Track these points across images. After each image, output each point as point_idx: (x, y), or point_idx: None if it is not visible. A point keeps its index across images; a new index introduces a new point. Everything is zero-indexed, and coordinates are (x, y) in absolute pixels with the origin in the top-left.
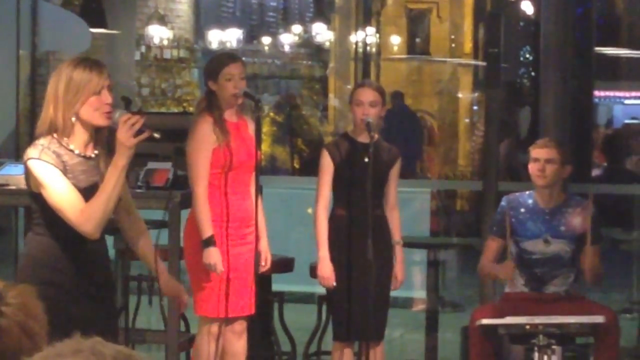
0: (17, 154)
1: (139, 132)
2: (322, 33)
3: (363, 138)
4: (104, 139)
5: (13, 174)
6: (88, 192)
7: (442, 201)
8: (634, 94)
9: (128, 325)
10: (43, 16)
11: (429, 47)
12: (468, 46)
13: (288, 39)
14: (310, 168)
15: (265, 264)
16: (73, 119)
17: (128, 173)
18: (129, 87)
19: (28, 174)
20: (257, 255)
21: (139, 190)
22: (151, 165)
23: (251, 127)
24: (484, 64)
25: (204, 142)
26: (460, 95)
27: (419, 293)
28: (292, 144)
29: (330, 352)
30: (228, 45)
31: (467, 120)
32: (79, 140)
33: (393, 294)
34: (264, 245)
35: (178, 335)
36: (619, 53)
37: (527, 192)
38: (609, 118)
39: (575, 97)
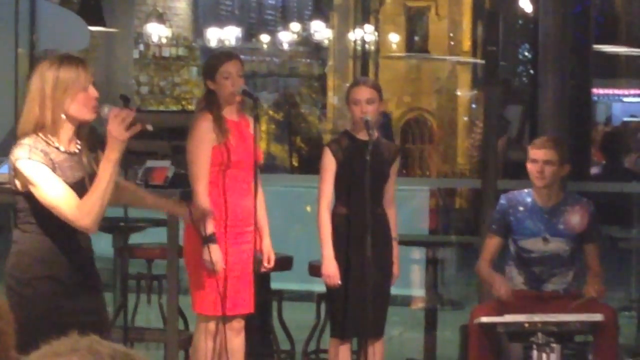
0: None
1: (131, 126)
2: (321, 31)
3: (363, 135)
4: (85, 134)
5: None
6: (76, 187)
7: (441, 199)
8: (632, 91)
9: (127, 323)
10: (41, 14)
11: (428, 45)
12: (466, 44)
13: (287, 37)
14: (308, 166)
15: (269, 263)
16: (63, 116)
17: (127, 171)
18: (127, 85)
19: (16, 174)
20: (257, 254)
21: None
22: (150, 163)
23: (252, 126)
24: (483, 61)
25: (204, 140)
26: (458, 93)
27: (418, 291)
28: (291, 142)
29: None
30: (226, 43)
31: (465, 118)
32: (64, 137)
33: (392, 291)
34: (266, 244)
35: (177, 333)
36: (617, 51)
37: (526, 191)
38: (607, 116)
39: (574, 95)
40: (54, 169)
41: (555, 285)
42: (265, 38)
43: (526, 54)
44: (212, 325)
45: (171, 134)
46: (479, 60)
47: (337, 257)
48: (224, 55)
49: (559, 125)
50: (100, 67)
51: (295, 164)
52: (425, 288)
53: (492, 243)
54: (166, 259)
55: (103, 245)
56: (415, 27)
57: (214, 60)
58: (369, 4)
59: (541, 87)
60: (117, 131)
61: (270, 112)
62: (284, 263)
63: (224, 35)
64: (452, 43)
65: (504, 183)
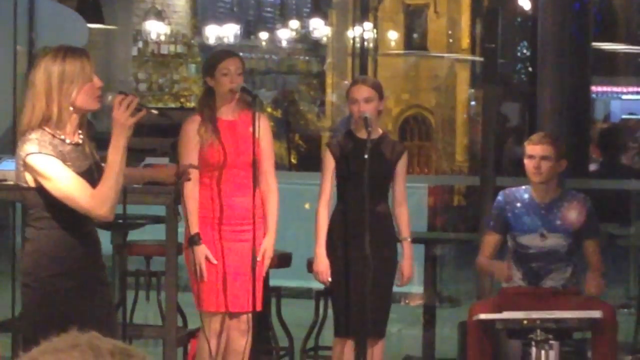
0: (14, 150)
1: (135, 112)
2: (320, 28)
3: (363, 134)
4: (85, 124)
5: (11, 169)
6: (85, 177)
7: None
8: (631, 89)
9: (126, 320)
10: (40, 12)
11: (427, 42)
12: (465, 42)
13: (285, 34)
14: (307, 163)
15: (262, 259)
16: (71, 108)
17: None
18: (126, 83)
19: (27, 169)
20: (254, 251)
21: (136, 186)
22: (149, 160)
23: (256, 123)
24: (481, 59)
25: (188, 142)
26: (457, 90)
27: (417, 288)
28: (289, 140)
29: (328, 347)
30: (225, 40)
31: (464, 116)
32: (69, 128)
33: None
34: (266, 241)
35: (175, 330)
36: (616, 48)
37: (523, 187)
38: (606, 113)
39: (573, 93)
40: (64, 161)
41: (554, 281)
42: (264, 35)
43: (525, 51)
44: (216, 323)
45: (169, 131)
46: (477, 58)
47: (336, 255)
48: (224, 52)
49: (558, 123)
50: (98, 65)
51: (293, 161)
52: (424, 285)
53: (490, 240)
54: (165, 256)
55: (102, 242)
56: (414, 24)
57: (214, 58)
58: (367, 2)
59: (540, 84)
60: (123, 117)
61: (269, 110)
62: (282, 260)
63: (222, 32)
64: (450, 41)
65: (502, 180)
